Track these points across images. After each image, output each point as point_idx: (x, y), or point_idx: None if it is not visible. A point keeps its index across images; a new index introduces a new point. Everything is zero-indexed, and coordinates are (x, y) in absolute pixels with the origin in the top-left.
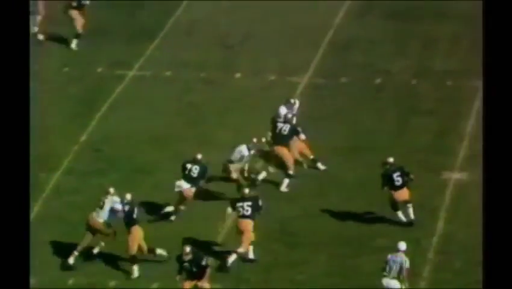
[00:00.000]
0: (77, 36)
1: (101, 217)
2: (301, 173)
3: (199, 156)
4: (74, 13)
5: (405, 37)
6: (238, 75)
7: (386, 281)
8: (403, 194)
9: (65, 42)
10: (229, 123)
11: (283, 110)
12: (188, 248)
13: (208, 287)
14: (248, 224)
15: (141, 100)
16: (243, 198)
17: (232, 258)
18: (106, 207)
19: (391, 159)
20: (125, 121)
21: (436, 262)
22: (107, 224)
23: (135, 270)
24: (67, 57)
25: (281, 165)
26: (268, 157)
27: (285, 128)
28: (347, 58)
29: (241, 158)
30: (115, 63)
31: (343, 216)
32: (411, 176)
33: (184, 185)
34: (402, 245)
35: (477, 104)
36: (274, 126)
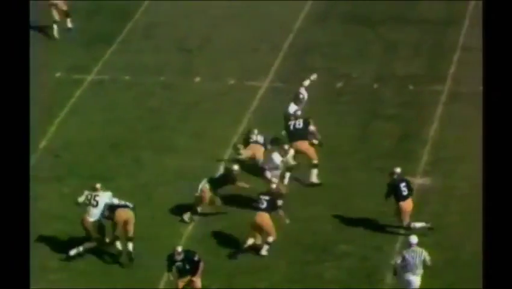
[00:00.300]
0: (67, 15)
1: (93, 215)
2: (260, 180)
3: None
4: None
5: (365, 41)
6: (197, 79)
7: (407, 277)
8: (409, 205)
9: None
10: (189, 128)
11: (292, 108)
12: (180, 248)
13: (200, 284)
14: (264, 217)
15: (100, 105)
16: (262, 193)
17: (265, 249)
18: (101, 204)
19: (398, 170)
20: (84, 126)
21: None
22: (99, 223)
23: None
24: None
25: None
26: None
27: (299, 122)
28: (307, 62)
29: (277, 165)
30: (74, 68)
31: (304, 222)
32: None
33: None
34: (414, 239)
35: (440, 109)
36: (287, 125)
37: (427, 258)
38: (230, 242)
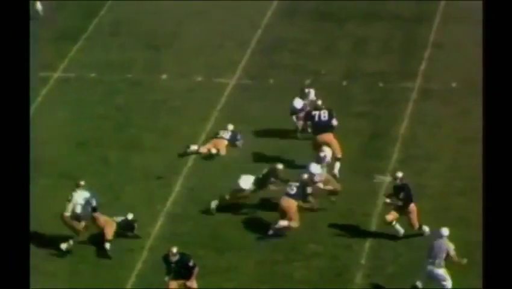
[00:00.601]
0: None
1: (68, 210)
2: (228, 178)
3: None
4: None
5: (334, 37)
6: (164, 76)
7: (431, 269)
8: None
9: None
10: (156, 125)
11: (298, 103)
12: (175, 249)
13: (196, 287)
14: (290, 202)
15: (66, 103)
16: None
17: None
18: (74, 200)
19: (400, 174)
20: (51, 125)
21: (368, 268)
22: (77, 217)
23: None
24: None
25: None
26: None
27: (324, 114)
28: (275, 58)
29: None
30: (40, 65)
31: (272, 221)
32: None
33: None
34: (445, 231)
35: (411, 106)
36: (311, 117)
37: (452, 250)
38: (197, 242)
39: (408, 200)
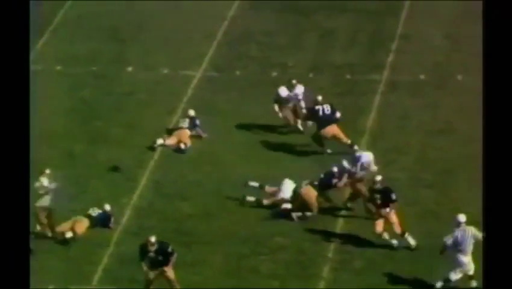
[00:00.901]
0: None
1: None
2: (195, 171)
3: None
4: None
5: (301, 29)
6: (130, 69)
7: (459, 258)
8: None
9: None
10: (122, 118)
11: (283, 91)
12: (153, 239)
13: (173, 275)
14: (309, 191)
15: (32, 96)
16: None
17: (296, 215)
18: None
19: (379, 178)
20: None
21: (335, 262)
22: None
23: None
24: None
25: None
26: None
27: (327, 108)
28: (242, 50)
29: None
30: None
31: (239, 215)
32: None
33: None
34: (462, 218)
35: (378, 98)
36: (315, 112)
37: (478, 233)
38: (164, 236)
39: (387, 203)
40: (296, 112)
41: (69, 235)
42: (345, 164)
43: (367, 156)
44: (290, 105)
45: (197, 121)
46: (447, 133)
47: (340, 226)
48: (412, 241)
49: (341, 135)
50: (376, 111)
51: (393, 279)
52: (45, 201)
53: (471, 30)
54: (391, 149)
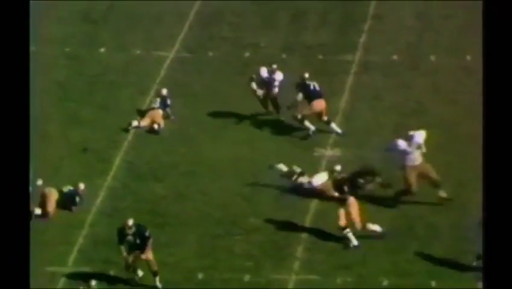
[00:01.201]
0: None
1: None
2: (168, 152)
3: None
4: None
5: (272, 10)
6: (102, 50)
7: None
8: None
9: None
10: (95, 99)
11: (264, 72)
12: (131, 222)
13: (151, 256)
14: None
15: None
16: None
17: None
18: None
19: (338, 168)
20: None
21: (310, 242)
22: None
23: None
24: None
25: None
26: None
27: (315, 84)
28: (214, 31)
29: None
30: None
31: (212, 195)
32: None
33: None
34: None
35: (350, 79)
36: (306, 86)
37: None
38: (138, 217)
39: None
40: (267, 97)
41: (37, 212)
42: (400, 143)
43: (420, 136)
44: (263, 89)
45: (168, 101)
46: (420, 114)
47: (314, 206)
48: (377, 228)
49: (324, 112)
50: (348, 92)
51: (367, 257)
52: None
53: (443, 10)
54: (363, 129)
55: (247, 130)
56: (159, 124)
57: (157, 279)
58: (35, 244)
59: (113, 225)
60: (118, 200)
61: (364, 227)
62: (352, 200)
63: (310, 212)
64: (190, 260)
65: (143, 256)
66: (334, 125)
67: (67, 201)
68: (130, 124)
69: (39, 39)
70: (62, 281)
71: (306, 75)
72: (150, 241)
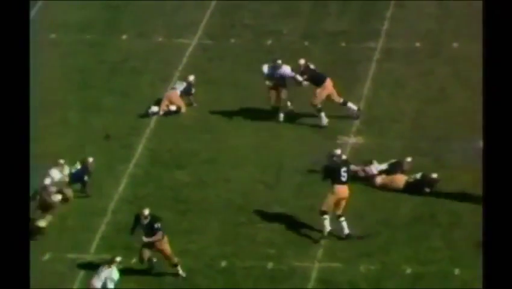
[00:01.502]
0: None
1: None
2: (190, 140)
3: None
4: None
5: None
6: (124, 37)
7: None
8: (344, 191)
9: None
10: (116, 87)
11: (265, 69)
12: (146, 212)
13: (167, 249)
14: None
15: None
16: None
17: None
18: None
19: (338, 151)
20: None
21: (332, 229)
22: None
23: None
24: None
25: None
26: None
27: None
28: (236, 18)
29: None
30: None
31: (235, 183)
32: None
33: None
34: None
35: (374, 66)
36: (311, 69)
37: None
38: (160, 204)
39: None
40: (278, 92)
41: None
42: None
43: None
44: (272, 83)
45: (193, 90)
46: (441, 101)
47: None
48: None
49: (335, 92)
50: (371, 79)
51: (390, 245)
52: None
53: None
54: (386, 116)
55: (270, 117)
56: (178, 106)
57: (178, 268)
58: (57, 230)
59: (135, 212)
60: (141, 187)
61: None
62: (346, 187)
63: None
64: (212, 247)
65: (158, 247)
66: (350, 104)
67: (77, 181)
68: (149, 109)
69: (59, 26)
70: (83, 268)
71: (302, 61)
72: (160, 233)
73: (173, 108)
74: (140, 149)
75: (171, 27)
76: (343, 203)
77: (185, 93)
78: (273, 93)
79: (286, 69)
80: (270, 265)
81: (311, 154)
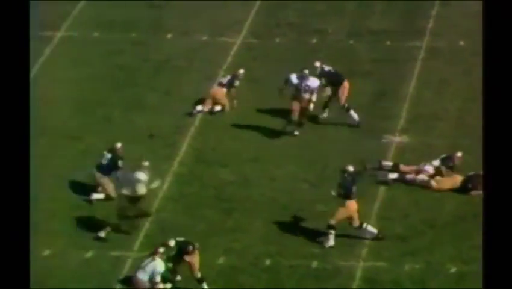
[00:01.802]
0: None
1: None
2: (234, 138)
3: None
4: None
5: None
6: (168, 36)
7: None
8: (355, 206)
9: None
10: (159, 85)
11: (294, 79)
12: (173, 242)
13: (195, 262)
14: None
15: (69, 63)
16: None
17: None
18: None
19: (350, 168)
20: (54, 84)
21: (376, 228)
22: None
23: None
24: None
25: None
26: None
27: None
28: (281, 17)
29: None
30: (42, 24)
31: (279, 181)
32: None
33: None
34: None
35: (419, 65)
36: (327, 73)
37: None
38: (204, 203)
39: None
40: (302, 107)
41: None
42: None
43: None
44: (296, 94)
45: (236, 82)
46: None
47: (380, 193)
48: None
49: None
50: (416, 78)
51: (434, 245)
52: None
53: None
54: (430, 115)
55: (313, 116)
56: (223, 105)
57: (204, 284)
58: (99, 229)
59: (179, 211)
60: (185, 186)
61: (360, 226)
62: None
63: (378, 199)
64: (256, 246)
65: (187, 261)
66: (353, 112)
67: (111, 170)
68: (194, 108)
69: (104, 24)
70: (127, 266)
71: (318, 64)
72: (187, 258)
73: (218, 108)
74: (184, 147)
75: (215, 26)
76: (355, 216)
77: (229, 85)
78: (296, 105)
79: (314, 81)
80: (314, 264)
81: (356, 154)
